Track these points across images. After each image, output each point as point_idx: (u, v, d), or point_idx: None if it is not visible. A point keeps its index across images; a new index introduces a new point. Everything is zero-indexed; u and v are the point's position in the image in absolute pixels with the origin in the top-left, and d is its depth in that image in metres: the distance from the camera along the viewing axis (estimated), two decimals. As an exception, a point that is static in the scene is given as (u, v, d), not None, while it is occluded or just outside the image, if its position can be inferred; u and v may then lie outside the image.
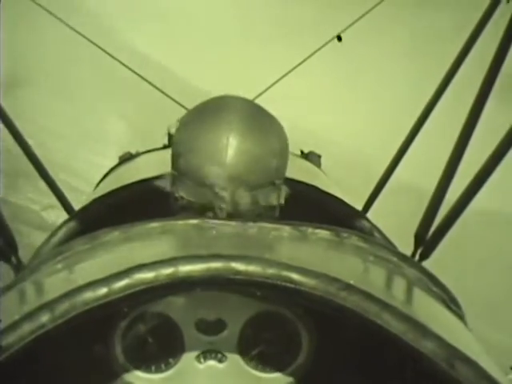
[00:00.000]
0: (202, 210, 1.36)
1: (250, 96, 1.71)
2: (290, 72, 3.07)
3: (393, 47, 7.69)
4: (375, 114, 7.09)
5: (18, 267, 1.75)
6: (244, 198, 1.36)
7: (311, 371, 1.29)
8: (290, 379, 1.28)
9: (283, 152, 1.43)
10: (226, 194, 1.35)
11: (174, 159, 1.43)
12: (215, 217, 1.34)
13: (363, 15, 2.84)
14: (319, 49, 2.96)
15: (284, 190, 1.42)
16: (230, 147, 1.35)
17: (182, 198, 1.40)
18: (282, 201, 1.42)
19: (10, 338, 0.98)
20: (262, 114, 1.47)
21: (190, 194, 1.39)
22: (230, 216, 1.34)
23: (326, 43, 2.91)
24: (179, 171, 1.40)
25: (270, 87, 3.00)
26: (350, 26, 2.86)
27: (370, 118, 7.03)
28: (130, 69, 3.01)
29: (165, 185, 1.45)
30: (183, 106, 2.82)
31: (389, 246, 1.41)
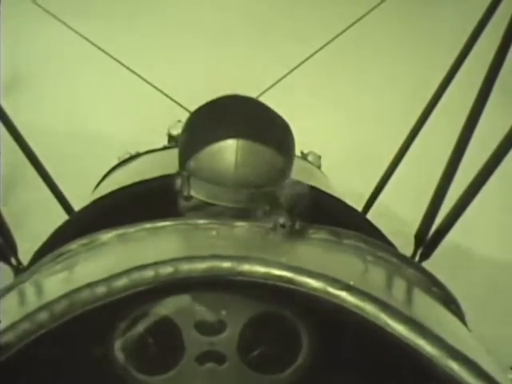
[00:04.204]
0: (213, 210, 1.38)
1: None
2: (290, 72, 3.07)
3: (392, 47, 7.69)
4: (376, 112, 7.09)
5: (18, 268, 1.75)
6: (253, 198, 1.37)
7: (311, 371, 1.29)
8: (290, 380, 1.28)
9: (291, 150, 1.48)
10: (236, 194, 1.36)
11: (183, 160, 1.45)
12: (220, 217, 1.35)
13: (365, 15, 2.84)
14: (320, 49, 2.96)
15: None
16: (240, 147, 1.38)
17: (191, 197, 1.41)
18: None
19: (10, 338, 0.98)
20: (269, 112, 1.51)
21: (200, 193, 1.40)
22: (240, 216, 1.35)
23: (327, 43, 2.91)
24: (189, 171, 1.42)
25: (270, 87, 3.00)
26: (352, 24, 2.87)
27: (371, 117, 7.03)
28: (130, 70, 3.01)
29: (174, 184, 1.46)
30: (184, 107, 2.82)
31: (388, 247, 1.41)
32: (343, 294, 1.02)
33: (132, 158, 2.44)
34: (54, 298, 1.01)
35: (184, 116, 1.65)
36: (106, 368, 1.25)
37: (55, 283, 1.20)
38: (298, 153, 2.58)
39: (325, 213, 1.74)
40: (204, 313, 1.27)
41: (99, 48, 3.00)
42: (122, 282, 1.03)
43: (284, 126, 1.49)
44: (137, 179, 1.80)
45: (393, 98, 6.93)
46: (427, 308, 1.24)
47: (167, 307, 1.28)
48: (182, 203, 1.45)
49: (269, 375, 1.26)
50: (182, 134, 1.51)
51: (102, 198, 1.83)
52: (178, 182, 1.45)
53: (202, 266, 1.05)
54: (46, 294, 1.14)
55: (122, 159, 2.47)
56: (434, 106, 2.03)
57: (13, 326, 0.98)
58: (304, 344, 1.29)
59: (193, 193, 1.42)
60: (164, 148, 2.37)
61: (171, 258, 1.06)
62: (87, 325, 1.06)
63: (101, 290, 1.02)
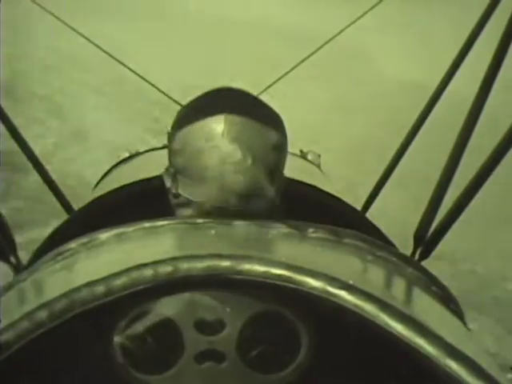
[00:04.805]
0: (201, 208, 1.36)
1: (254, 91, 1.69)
2: (294, 68, 3.06)
3: (392, 46, 7.70)
4: (377, 111, 7.10)
5: (18, 267, 1.75)
6: (242, 194, 1.34)
7: (310, 371, 1.29)
8: (289, 379, 1.28)
9: (282, 145, 1.41)
10: (224, 190, 1.34)
11: (171, 156, 1.42)
12: (214, 215, 1.33)
13: (366, 12, 2.83)
14: (321, 46, 2.95)
15: (282, 186, 1.42)
16: (228, 142, 1.33)
17: (179, 195, 1.39)
18: (280, 196, 1.41)
19: (9, 337, 0.98)
20: (259, 106, 1.45)
21: (187, 191, 1.38)
22: (228, 212, 1.33)
23: (329, 40, 2.90)
24: (176, 168, 1.39)
25: (273, 84, 2.99)
26: (354, 21, 2.85)
27: (371, 116, 7.03)
28: (129, 68, 3.01)
29: (165, 182, 1.44)
30: (180, 105, 2.82)
31: (388, 246, 1.41)
32: (343, 293, 1.01)
33: (131, 156, 2.44)
34: (53, 297, 1.02)
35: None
36: (105, 367, 1.25)
37: (54, 282, 1.20)
38: (297, 151, 2.58)
39: (324, 212, 1.74)
40: (203, 312, 1.27)
41: (98, 47, 2.99)
42: (121, 281, 1.03)
43: (276, 119, 1.44)
44: (136, 178, 1.80)
45: (391, 99, 6.96)
46: (426, 307, 1.24)
47: (166, 306, 1.28)
48: (172, 200, 1.43)
49: (268, 374, 1.26)
50: (171, 129, 1.47)
51: (101, 196, 1.83)
52: (168, 179, 1.42)
53: (201, 264, 1.05)
54: (45, 293, 1.14)
55: (121, 158, 2.47)
56: (433, 106, 2.03)
57: (12, 324, 0.98)
58: (303, 343, 1.29)
59: (180, 190, 1.39)
60: (164, 147, 2.37)
61: (170, 257, 1.06)
62: (86, 324, 1.06)
63: (100, 289, 1.02)
